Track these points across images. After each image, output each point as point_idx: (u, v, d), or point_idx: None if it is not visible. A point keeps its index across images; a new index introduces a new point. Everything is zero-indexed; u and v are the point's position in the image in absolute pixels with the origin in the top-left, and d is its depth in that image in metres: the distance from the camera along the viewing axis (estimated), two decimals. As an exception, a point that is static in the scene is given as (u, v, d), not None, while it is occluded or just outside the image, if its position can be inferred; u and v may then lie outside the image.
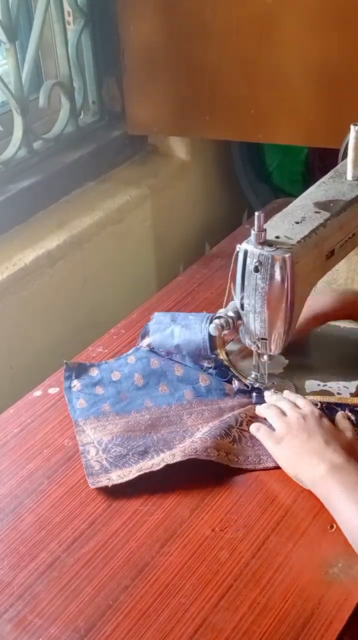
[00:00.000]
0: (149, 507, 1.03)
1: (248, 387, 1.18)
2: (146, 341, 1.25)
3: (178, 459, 1.05)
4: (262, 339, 1.11)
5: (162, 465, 1.05)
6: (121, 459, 1.08)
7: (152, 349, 1.24)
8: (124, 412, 1.16)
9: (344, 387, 1.20)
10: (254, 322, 1.09)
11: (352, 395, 1.19)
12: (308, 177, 1.89)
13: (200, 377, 1.20)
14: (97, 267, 1.57)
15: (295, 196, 1.18)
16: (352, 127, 1.15)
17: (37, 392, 1.25)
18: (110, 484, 1.05)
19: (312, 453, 1.01)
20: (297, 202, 1.15)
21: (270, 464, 1.07)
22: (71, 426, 1.17)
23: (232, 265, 1.08)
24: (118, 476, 1.06)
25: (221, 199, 1.94)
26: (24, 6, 1.49)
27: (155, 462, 1.06)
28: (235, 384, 1.19)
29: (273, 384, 1.19)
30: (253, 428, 1.11)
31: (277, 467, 1.06)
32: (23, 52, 1.47)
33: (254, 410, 1.14)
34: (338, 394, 1.18)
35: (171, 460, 1.06)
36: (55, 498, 1.06)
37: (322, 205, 1.13)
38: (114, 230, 1.59)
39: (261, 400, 1.16)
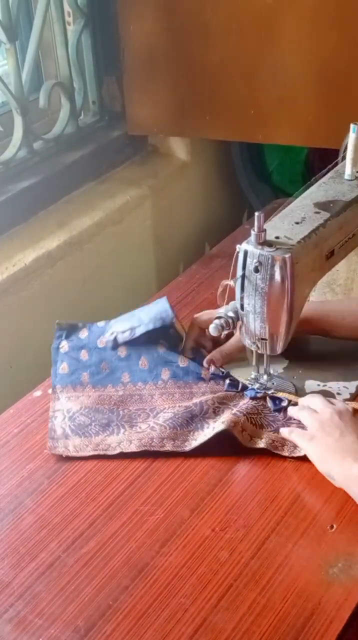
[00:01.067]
0: (149, 507, 1.03)
1: (223, 372, 1.21)
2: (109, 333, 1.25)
3: (133, 448, 1.10)
4: (262, 339, 1.11)
5: (117, 451, 1.10)
6: (83, 427, 1.14)
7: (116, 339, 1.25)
8: (101, 385, 1.21)
9: (344, 387, 1.20)
10: (254, 322, 1.09)
11: (351, 395, 1.19)
12: (308, 177, 1.88)
13: (179, 358, 1.22)
14: (97, 267, 1.57)
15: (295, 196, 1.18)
16: (351, 126, 1.15)
17: (37, 392, 1.25)
18: (64, 453, 1.11)
19: (346, 451, 1.01)
20: (297, 202, 1.15)
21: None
22: (71, 426, 1.17)
23: (232, 266, 1.08)
24: (74, 447, 1.12)
25: (221, 199, 1.94)
26: (24, 6, 1.49)
27: (112, 442, 1.12)
28: (211, 369, 1.22)
29: (273, 384, 1.19)
30: (286, 432, 1.10)
31: (225, 455, 1.08)
32: (23, 53, 1.48)
33: (223, 396, 1.16)
34: (338, 394, 1.18)
35: (126, 448, 1.10)
36: (55, 498, 1.06)
37: (321, 206, 1.13)
38: (114, 230, 1.59)
39: (234, 388, 1.18)
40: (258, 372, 1.19)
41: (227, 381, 1.19)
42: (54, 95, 1.54)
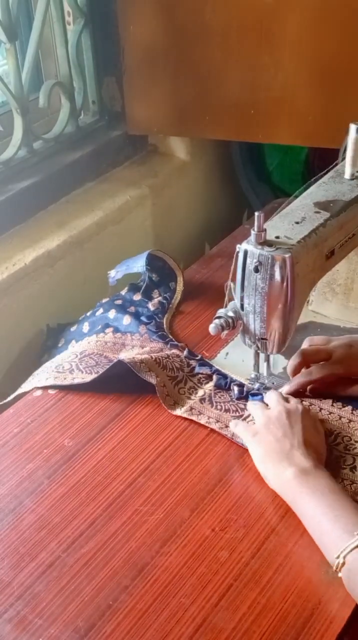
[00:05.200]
0: (149, 507, 1.03)
1: (196, 355, 1.27)
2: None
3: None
4: (262, 339, 1.11)
5: (87, 379, 1.22)
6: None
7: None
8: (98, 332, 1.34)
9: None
10: (254, 322, 1.09)
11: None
12: (308, 177, 1.88)
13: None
14: (97, 267, 1.56)
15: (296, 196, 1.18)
16: (351, 126, 1.15)
17: (37, 392, 1.25)
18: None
19: (282, 454, 1.01)
20: (297, 202, 1.15)
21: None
22: (71, 426, 1.17)
23: (232, 265, 1.08)
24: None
25: (221, 199, 1.94)
26: (24, 6, 1.49)
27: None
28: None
29: (273, 384, 1.19)
30: (232, 424, 1.12)
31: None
32: (23, 52, 1.48)
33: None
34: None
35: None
36: (55, 498, 1.06)
37: (321, 206, 1.13)
38: (114, 230, 1.59)
39: (203, 366, 1.23)
40: (258, 372, 1.19)
41: (215, 377, 1.21)
42: (53, 95, 1.54)
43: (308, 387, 1.16)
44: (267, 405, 1.11)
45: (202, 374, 1.22)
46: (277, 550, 0.96)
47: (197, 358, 1.26)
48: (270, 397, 1.12)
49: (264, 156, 1.94)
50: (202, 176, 1.86)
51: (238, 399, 1.17)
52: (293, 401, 1.11)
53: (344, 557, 0.88)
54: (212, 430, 1.14)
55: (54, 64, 1.59)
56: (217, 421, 1.14)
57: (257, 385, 1.19)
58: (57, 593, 0.93)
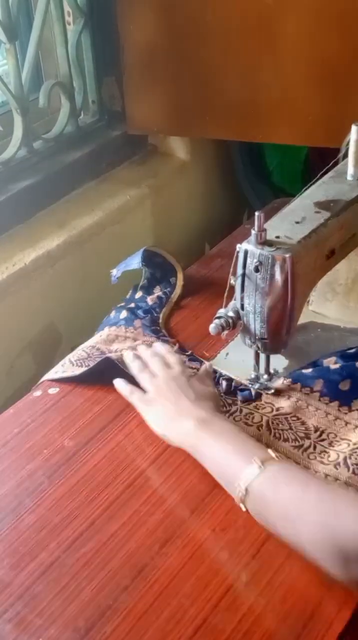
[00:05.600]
0: (149, 508, 1.03)
1: (186, 351, 1.28)
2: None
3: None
4: (262, 339, 1.11)
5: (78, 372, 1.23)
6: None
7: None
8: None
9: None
10: (254, 322, 1.09)
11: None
12: (308, 177, 1.88)
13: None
14: (97, 267, 1.56)
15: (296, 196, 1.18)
16: (353, 126, 1.15)
17: (37, 392, 1.25)
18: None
19: (180, 412, 1.06)
20: (297, 202, 1.15)
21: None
22: (71, 426, 1.17)
23: (232, 265, 1.08)
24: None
25: (221, 198, 1.94)
26: (23, 6, 1.49)
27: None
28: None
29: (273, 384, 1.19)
30: (126, 390, 1.16)
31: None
32: (23, 52, 1.47)
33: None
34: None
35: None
36: (55, 498, 1.05)
37: (322, 205, 1.13)
38: (114, 230, 1.59)
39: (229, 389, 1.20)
40: (258, 372, 1.19)
41: (224, 382, 1.19)
42: (53, 94, 1.54)
43: None
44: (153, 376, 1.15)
45: (192, 367, 1.22)
46: (277, 551, 0.96)
47: (187, 353, 1.26)
48: (154, 363, 1.16)
49: (264, 156, 1.94)
50: (202, 176, 1.86)
51: (225, 393, 1.18)
52: (176, 365, 1.15)
53: (245, 488, 0.90)
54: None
55: (53, 64, 1.59)
56: None
57: (256, 385, 1.19)
58: (57, 593, 0.93)
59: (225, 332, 1.13)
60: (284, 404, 1.14)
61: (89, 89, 1.65)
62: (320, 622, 0.88)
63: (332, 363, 1.16)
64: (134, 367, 1.18)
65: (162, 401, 1.10)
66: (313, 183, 1.20)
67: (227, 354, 1.29)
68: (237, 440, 0.99)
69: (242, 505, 0.93)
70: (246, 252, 1.06)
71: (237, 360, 1.26)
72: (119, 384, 1.18)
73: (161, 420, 1.09)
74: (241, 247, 1.06)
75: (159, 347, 1.21)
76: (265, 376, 1.18)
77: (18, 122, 1.46)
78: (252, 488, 0.91)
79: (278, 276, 1.04)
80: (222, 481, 0.97)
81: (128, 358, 1.19)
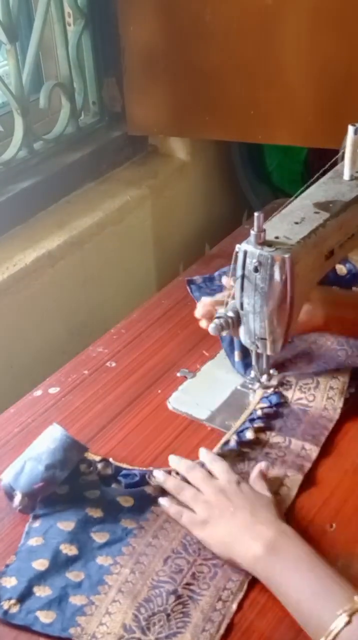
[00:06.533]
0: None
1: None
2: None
3: None
4: (262, 339, 1.11)
5: None
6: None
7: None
8: None
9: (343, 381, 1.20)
10: (254, 322, 1.10)
11: (351, 394, 1.19)
12: (308, 177, 1.89)
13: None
14: (97, 267, 1.57)
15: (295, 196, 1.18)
16: (350, 127, 1.15)
17: (38, 392, 1.25)
18: None
19: (242, 531, 0.94)
20: (297, 202, 1.15)
21: None
22: (71, 426, 1.17)
23: (232, 265, 1.08)
24: None
25: (221, 199, 1.95)
26: (24, 7, 1.50)
27: None
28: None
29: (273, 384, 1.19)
30: (173, 510, 1.00)
31: None
32: (23, 53, 1.48)
33: None
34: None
35: None
36: (55, 498, 1.06)
37: (321, 206, 1.13)
38: (114, 230, 1.59)
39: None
40: (258, 371, 1.19)
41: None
42: (54, 95, 1.54)
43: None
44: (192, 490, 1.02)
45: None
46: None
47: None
48: (195, 477, 1.03)
49: (264, 156, 1.94)
50: (202, 176, 1.86)
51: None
52: (222, 474, 1.03)
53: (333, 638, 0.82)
54: (213, 429, 1.14)
55: (54, 65, 1.59)
56: None
57: (256, 385, 1.19)
58: (57, 592, 0.93)
59: (225, 332, 1.13)
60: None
61: (90, 89, 1.65)
62: (319, 621, 0.88)
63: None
64: (169, 486, 1.03)
65: (217, 521, 0.96)
66: (313, 183, 1.20)
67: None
68: (312, 577, 0.88)
69: None
70: (245, 253, 1.06)
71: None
72: (165, 503, 1.02)
73: (222, 544, 0.95)
74: (240, 247, 1.06)
75: (203, 453, 1.08)
76: (265, 376, 1.19)
77: (18, 122, 1.46)
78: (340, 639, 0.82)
79: (277, 276, 1.04)
80: (301, 624, 0.86)
81: (160, 477, 1.05)
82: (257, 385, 1.19)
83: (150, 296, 1.51)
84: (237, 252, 1.06)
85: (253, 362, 1.19)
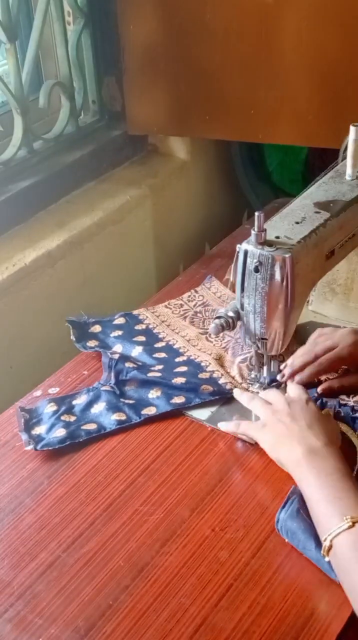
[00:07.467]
0: (149, 507, 1.03)
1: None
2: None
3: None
4: (262, 339, 1.11)
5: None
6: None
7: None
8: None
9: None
10: (254, 322, 1.09)
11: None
12: (308, 177, 1.89)
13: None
14: (97, 267, 1.57)
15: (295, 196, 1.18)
16: (351, 127, 1.15)
17: (37, 392, 1.25)
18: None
19: (293, 436, 1.02)
20: (297, 202, 1.15)
21: None
22: (71, 426, 1.17)
23: (232, 265, 1.08)
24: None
25: (221, 199, 1.94)
26: (24, 6, 1.49)
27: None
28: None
29: (273, 385, 1.19)
30: (231, 426, 1.12)
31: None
32: (23, 52, 1.48)
33: None
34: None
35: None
36: (55, 498, 1.06)
37: (322, 206, 1.13)
38: (114, 230, 1.59)
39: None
40: (258, 371, 1.19)
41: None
42: (53, 95, 1.54)
43: (320, 388, 1.17)
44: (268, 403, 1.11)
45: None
46: (277, 550, 0.96)
47: None
48: (270, 393, 1.13)
49: (264, 156, 1.94)
50: (202, 176, 1.86)
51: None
52: (295, 390, 1.11)
53: (331, 540, 0.89)
54: (213, 429, 1.14)
55: (54, 64, 1.59)
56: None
57: (256, 385, 1.19)
58: (57, 593, 0.93)
59: (225, 332, 1.13)
60: None
61: (89, 89, 1.65)
62: (319, 621, 0.88)
63: None
64: (244, 399, 1.15)
65: (276, 424, 1.05)
66: (313, 183, 1.20)
67: None
68: (338, 486, 0.94)
69: (326, 558, 0.90)
70: (246, 252, 1.06)
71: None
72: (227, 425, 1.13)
73: (274, 443, 1.04)
74: (241, 247, 1.06)
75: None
76: (265, 376, 1.19)
77: (18, 122, 1.46)
78: (336, 544, 0.88)
79: (278, 276, 1.04)
80: (315, 525, 0.93)
81: (236, 392, 1.17)
82: (257, 385, 1.19)
83: (150, 296, 1.51)
84: (237, 252, 1.07)
85: (254, 362, 1.19)
